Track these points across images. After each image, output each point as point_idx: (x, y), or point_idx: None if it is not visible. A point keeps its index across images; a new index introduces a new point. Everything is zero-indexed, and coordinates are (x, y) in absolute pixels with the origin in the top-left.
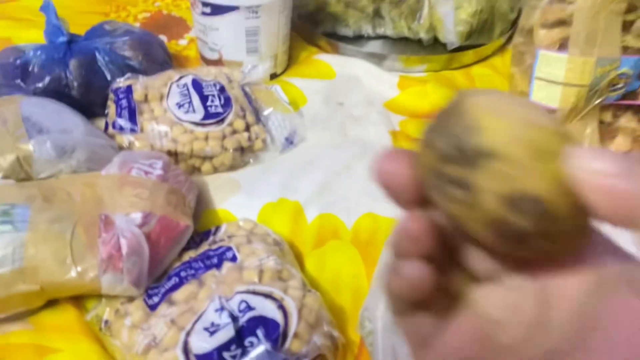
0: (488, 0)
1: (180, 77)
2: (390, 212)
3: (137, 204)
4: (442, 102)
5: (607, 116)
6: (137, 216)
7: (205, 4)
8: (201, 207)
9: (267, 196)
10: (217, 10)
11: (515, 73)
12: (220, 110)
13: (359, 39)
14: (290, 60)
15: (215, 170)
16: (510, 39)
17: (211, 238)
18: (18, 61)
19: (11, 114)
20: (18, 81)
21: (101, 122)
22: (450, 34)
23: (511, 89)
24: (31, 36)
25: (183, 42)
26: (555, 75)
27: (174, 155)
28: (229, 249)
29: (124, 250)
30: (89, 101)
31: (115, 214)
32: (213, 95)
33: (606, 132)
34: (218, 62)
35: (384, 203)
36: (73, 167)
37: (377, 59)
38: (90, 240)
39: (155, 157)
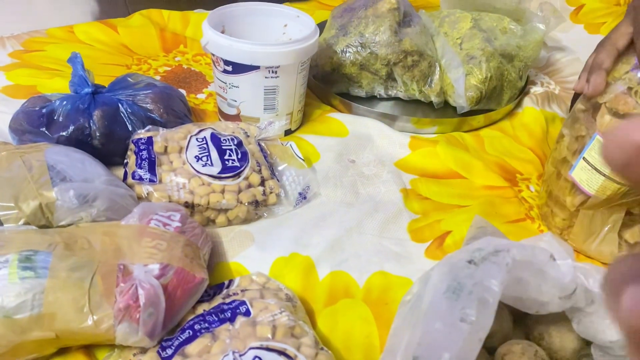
0: (497, 68)
1: (200, 131)
2: (402, 271)
3: (155, 255)
4: (452, 163)
5: (636, 209)
6: (155, 267)
7: (227, 63)
8: (214, 259)
9: (280, 250)
10: (239, 69)
11: (566, 136)
12: (237, 164)
13: (371, 99)
14: (305, 118)
15: (230, 222)
16: (518, 104)
17: (224, 291)
18: (44, 110)
19: (36, 161)
20: (43, 129)
21: (120, 171)
22: (461, 99)
23: (555, 149)
24: (56, 85)
25: (201, 96)
26: (602, 165)
27: (190, 206)
28: (243, 303)
29: (142, 301)
30: (109, 150)
31: (133, 263)
32: (230, 150)
33: (628, 221)
34: (236, 118)
35: (395, 262)
36: (93, 216)
37: (389, 119)
38: (108, 289)
39: (174, 210)
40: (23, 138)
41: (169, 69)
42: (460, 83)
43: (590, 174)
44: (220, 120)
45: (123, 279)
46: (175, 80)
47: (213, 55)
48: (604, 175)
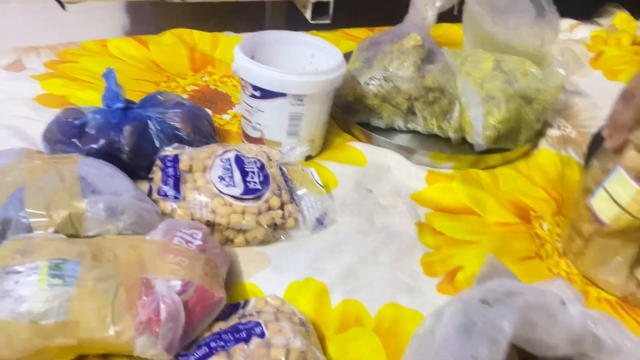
0: (516, 109)
1: (224, 152)
2: (413, 304)
3: (177, 272)
4: (467, 199)
5: None
6: (177, 283)
7: (255, 88)
8: (231, 278)
9: (295, 274)
10: (266, 94)
11: (594, 167)
12: (258, 187)
13: (390, 130)
14: (325, 145)
15: (248, 243)
16: (534, 146)
17: (240, 311)
18: (77, 121)
19: (69, 172)
20: (75, 140)
21: (144, 185)
22: (479, 137)
23: (583, 179)
24: (87, 97)
25: (226, 116)
26: (620, 197)
27: (211, 225)
28: (258, 324)
29: (163, 315)
30: (136, 164)
31: (156, 278)
32: (253, 172)
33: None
34: (259, 141)
35: (407, 294)
36: (119, 229)
37: (407, 152)
38: (130, 302)
39: (196, 228)
40: (55, 147)
41: (197, 88)
42: (479, 122)
43: (607, 204)
44: (243, 141)
45: (145, 293)
46: (202, 99)
47: (242, 79)
48: (620, 206)
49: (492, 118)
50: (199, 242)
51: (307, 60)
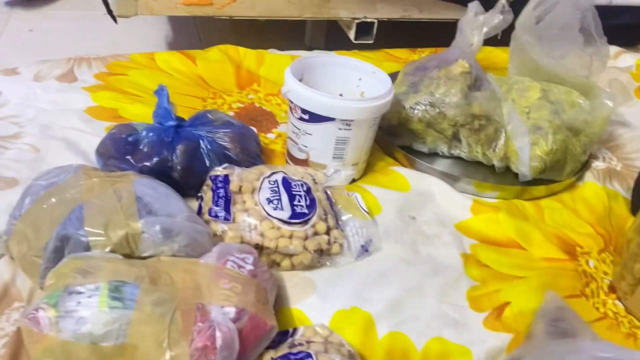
0: (563, 141)
1: (272, 173)
2: (460, 339)
3: (231, 298)
4: (513, 232)
5: None
6: (231, 310)
7: (304, 111)
8: (278, 304)
9: (340, 302)
10: (315, 118)
11: None
12: (305, 211)
13: (432, 155)
14: (368, 168)
15: (293, 267)
16: (580, 178)
17: (289, 340)
18: (130, 138)
19: (126, 192)
20: (128, 157)
21: (193, 203)
22: (524, 167)
23: (637, 217)
24: (136, 110)
25: (271, 135)
26: None
27: (259, 248)
28: (309, 355)
29: (219, 343)
30: (186, 183)
31: (211, 304)
32: (300, 195)
33: None
34: (304, 162)
35: (454, 329)
36: (174, 251)
37: (451, 179)
38: (186, 327)
39: (247, 252)
40: (108, 163)
41: (242, 105)
42: (525, 152)
43: None
44: (287, 161)
45: (201, 319)
46: (247, 117)
47: (292, 102)
48: None
49: (539, 149)
50: (251, 267)
51: (353, 84)
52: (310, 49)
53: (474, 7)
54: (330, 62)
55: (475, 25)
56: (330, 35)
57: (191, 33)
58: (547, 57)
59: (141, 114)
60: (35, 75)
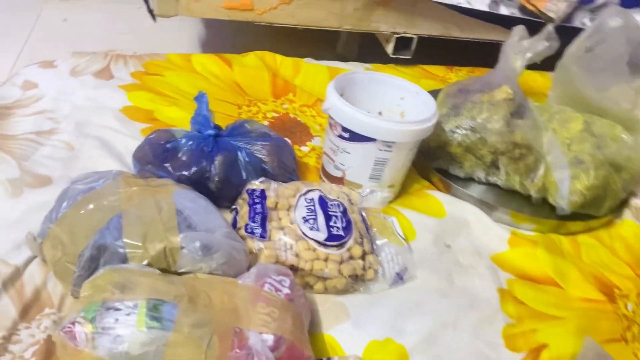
0: (604, 177)
1: (308, 191)
2: None
3: (269, 324)
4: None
5: None
6: (270, 338)
7: (345, 130)
8: (310, 328)
9: (374, 332)
10: (355, 137)
11: None
12: (341, 233)
13: (468, 180)
14: (402, 189)
15: (326, 290)
16: (618, 216)
17: None
18: (168, 145)
19: (166, 203)
20: (167, 165)
21: (226, 214)
22: (563, 201)
23: None
24: (172, 114)
25: (305, 148)
26: None
27: (294, 269)
28: None
29: None
30: (222, 194)
31: (249, 329)
32: (336, 216)
33: None
34: (339, 180)
35: None
36: (211, 268)
37: (487, 207)
38: (223, 352)
39: (284, 274)
40: (145, 168)
41: (277, 115)
42: (566, 185)
43: None
44: (321, 177)
45: (239, 345)
46: (282, 128)
47: (332, 119)
48: None
49: (580, 183)
50: (287, 291)
51: (394, 103)
52: (342, 58)
53: (519, 31)
54: (373, 79)
55: (518, 49)
56: (363, 46)
57: (224, 34)
58: (593, 89)
59: (177, 117)
60: (72, 69)
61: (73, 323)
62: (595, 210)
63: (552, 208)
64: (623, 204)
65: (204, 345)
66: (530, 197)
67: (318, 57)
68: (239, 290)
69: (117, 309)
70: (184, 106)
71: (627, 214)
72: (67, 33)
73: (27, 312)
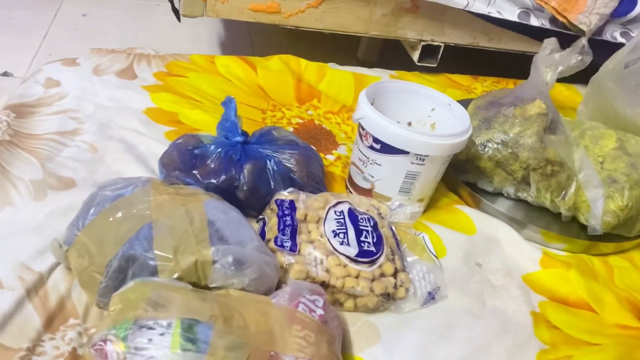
0: (639, 198)
1: (337, 203)
2: None
3: (305, 349)
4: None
5: None
6: None
7: (376, 141)
8: (341, 350)
9: (406, 357)
10: (387, 149)
11: None
12: (372, 249)
13: (496, 195)
14: (430, 203)
15: (356, 308)
16: None
17: None
18: (196, 151)
19: (197, 214)
20: (195, 172)
21: (253, 224)
22: (595, 221)
23: None
24: (196, 117)
25: (330, 157)
26: None
27: (325, 285)
28: None
29: None
30: (250, 204)
31: (285, 354)
32: (367, 231)
33: None
34: (367, 192)
35: None
36: (243, 284)
37: (517, 225)
38: None
39: (317, 294)
40: (172, 174)
41: (302, 121)
42: (599, 205)
43: None
44: (347, 188)
45: None
46: (306, 135)
47: (363, 129)
48: None
49: (614, 204)
50: (321, 312)
51: (425, 114)
52: (363, 63)
53: (550, 43)
54: (404, 89)
55: (550, 62)
56: (384, 52)
57: (242, 34)
58: (628, 106)
59: (201, 120)
60: (95, 68)
61: (105, 341)
62: (627, 231)
63: (582, 227)
64: None
65: None
66: (559, 215)
67: (338, 62)
68: (273, 310)
69: (151, 328)
70: (208, 109)
71: None
72: (86, 28)
73: (51, 322)
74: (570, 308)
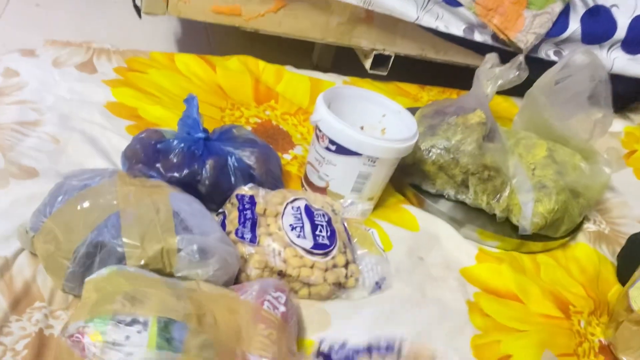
0: (564, 202)
1: (294, 199)
2: None
3: (268, 348)
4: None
5: None
6: None
7: (332, 142)
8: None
9: (354, 340)
10: (342, 150)
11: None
12: (326, 242)
13: (437, 196)
14: (379, 202)
15: (310, 296)
16: (572, 238)
17: None
18: (159, 145)
19: (163, 205)
20: (158, 165)
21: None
22: (525, 222)
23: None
24: (156, 112)
25: (287, 156)
26: None
27: (282, 275)
28: None
29: None
30: (211, 198)
31: (249, 352)
32: (322, 225)
33: None
34: (322, 190)
35: None
36: (208, 275)
37: (456, 224)
38: None
39: (281, 290)
40: (134, 167)
41: (259, 121)
42: (529, 208)
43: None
44: (303, 186)
45: None
46: (264, 135)
47: (320, 131)
48: None
49: (542, 207)
50: (283, 309)
51: (376, 119)
52: (316, 67)
53: (491, 58)
54: (358, 95)
55: (490, 76)
56: (337, 58)
57: (200, 33)
58: (557, 118)
59: (161, 116)
60: (54, 60)
61: (82, 333)
62: (553, 232)
63: (514, 228)
64: (577, 227)
65: None
66: (494, 216)
67: (293, 65)
68: (241, 307)
69: (128, 325)
70: (168, 106)
71: (580, 237)
72: (40, 19)
73: (17, 304)
74: (500, 299)
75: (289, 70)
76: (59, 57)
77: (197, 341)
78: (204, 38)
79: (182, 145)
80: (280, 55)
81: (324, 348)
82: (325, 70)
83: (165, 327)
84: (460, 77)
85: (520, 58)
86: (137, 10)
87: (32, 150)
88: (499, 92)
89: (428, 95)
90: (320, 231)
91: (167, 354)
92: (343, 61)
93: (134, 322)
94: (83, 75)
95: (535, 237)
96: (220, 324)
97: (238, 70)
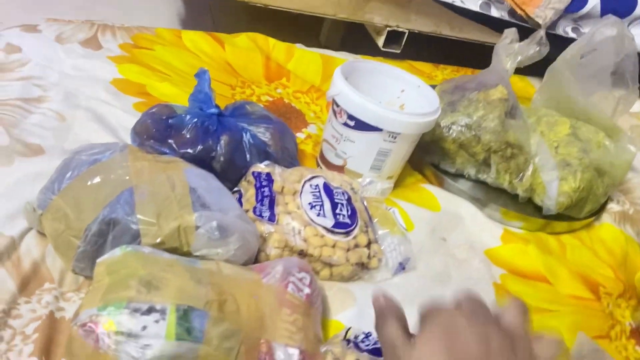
0: (589, 180)
1: (312, 177)
2: None
3: (294, 335)
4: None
5: None
6: (295, 352)
7: (351, 117)
8: None
9: None
10: (361, 126)
11: None
12: (347, 221)
13: (457, 176)
14: (397, 182)
15: (331, 277)
16: (597, 219)
17: None
18: (170, 120)
19: (179, 180)
20: (170, 141)
21: None
22: (550, 202)
23: None
24: (165, 90)
25: (300, 135)
26: None
27: (303, 255)
28: None
29: None
30: (226, 176)
31: (275, 340)
32: (342, 204)
33: None
34: (339, 169)
35: None
36: (229, 254)
37: (479, 203)
38: None
39: (305, 270)
40: (145, 143)
41: (271, 99)
42: (554, 187)
43: None
44: (319, 164)
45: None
46: (277, 113)
47: (337, 106)
48: None
49: (567, 185)
50: (308, 290)
51: (394, 95)
52: (324, 46)
53: (510, 33)
54: (376, 69)
55: (510, 51)
56: (345, 38)
57: (202, 12)
58: (580, 95)
59: (170, 94)
60: (57, 36)
61: (95, 322)
62: (577, 212)
63: (536, 207)
64: (602, 207)
65: (231, 358)
66: (516, 196)
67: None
68: (264, 292)
69: (144, 314)
70: (177, 83)
71: (605, 218)
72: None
73: (26, 285)
74: (528, 280)
75: (299, 48)
76: (62, 34)
77: (218, 330)
78: (208, 19)
79: (196, 120)
80: (286, 35)
81: (351, 335)
82: (333, 49)
83: (185, 315)
84: (473, 57)
85: (542, 33)
86: None
87: (37, 128)
88: (514, 72)
89: (442, 74)
90: (341, 210)
91: (187, 345)
92: (351, 42)
93: (150, 310)
94: (88, 52)
95: (560, 217)
96: (242, 310)
97: (247, 48)
